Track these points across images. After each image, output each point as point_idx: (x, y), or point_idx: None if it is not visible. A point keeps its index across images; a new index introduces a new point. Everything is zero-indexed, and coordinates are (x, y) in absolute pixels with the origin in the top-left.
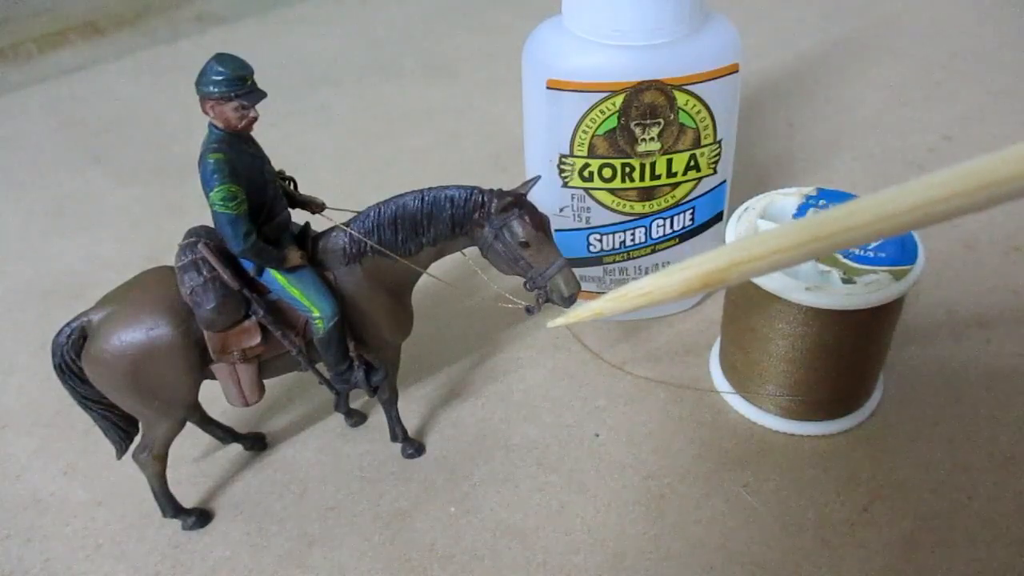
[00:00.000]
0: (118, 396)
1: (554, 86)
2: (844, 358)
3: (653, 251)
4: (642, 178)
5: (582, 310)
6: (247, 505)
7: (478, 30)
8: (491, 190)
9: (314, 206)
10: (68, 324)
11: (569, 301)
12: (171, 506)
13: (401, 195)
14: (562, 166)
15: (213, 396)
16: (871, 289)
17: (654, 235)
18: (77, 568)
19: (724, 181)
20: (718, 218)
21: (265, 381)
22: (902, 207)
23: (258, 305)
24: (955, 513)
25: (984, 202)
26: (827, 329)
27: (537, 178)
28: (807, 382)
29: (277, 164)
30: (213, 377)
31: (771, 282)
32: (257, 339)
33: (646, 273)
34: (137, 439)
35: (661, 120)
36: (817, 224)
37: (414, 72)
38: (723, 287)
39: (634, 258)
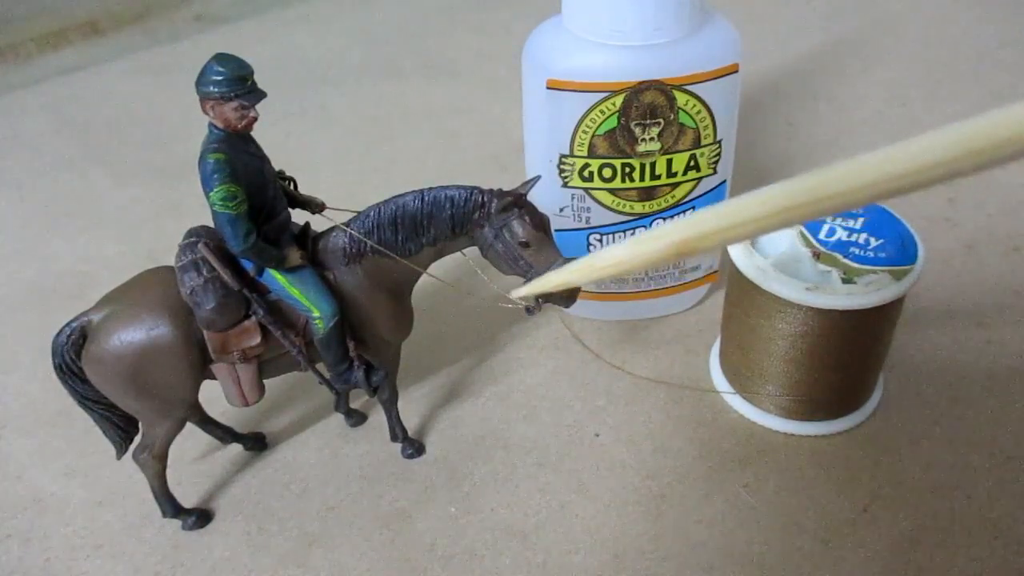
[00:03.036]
0: (118, 396)
1: (554, 86)
2: (844, 358)
3: None
4: (642, 178)
5: (548, 279)
6: (247, 505)
7: (478, 30)
8: (491, 190)
9: (314, 206)
10: (68, 324)
11: (569, 301)
12: (171, 506)
13: (401, 195)
14: (562, 166)
15: (213, 396)
16: (871, 289)
17: None
18: (77, 568)
19: (724, 181)
20: None
21: (265, 381)
22: (884, 174)
23: (258, 305)
24: (955, 513)
25: (968, 169)
26: (827, 329)
27: (537, 178)
28: (807, 382)
29: (277, 164)
30: (213, 377)
31: (771, 282)
32: (257, 339)
33: (646, 274)
34: (137, 439)
35: (661, 120)
36: (794, 192)
37: (414, 72)
38: (697, 255)
39: None
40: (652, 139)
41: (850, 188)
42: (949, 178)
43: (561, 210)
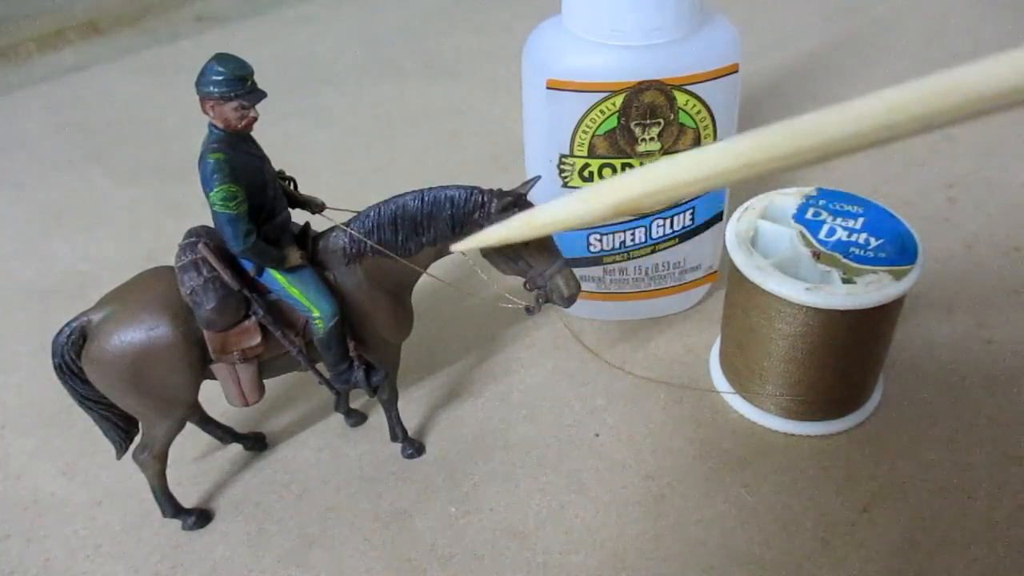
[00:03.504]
0: (118, 396)
1: (554, 86)
2: (844, 358)
3: (653, 251)
4: None
5: (488, 233)
6: (247, 505)
7: (478, 30)
8: (491, 190)
9: (314, 206)
10: (68, 324)
11: (569, 301)
12: (171, 506)
13: (401, 195)
14: (562, 166)
15: (213, 396)
16: (871, 289)
17: (654, 235)
18: (77, 568)
19: None
20: (718, 218)
21: (265, 381)
22: (834, 135)
23: (258, 305)
24: (955, 513)
25: (920, 130)
26: (827, 329)
27: (537, 178)
28: (807, 382)
29: (277, 164)
30: (213, 377)
31: (771, 282)
32: (257, 339)
33: (646, 274)
34: (137, 439)
35: (661, 120)
36: (745, 152)
37: (414, 72)
38: (637, 213)
39: (634, 258)
40: (652, 139)
41: (800, 148)
42: (911, 135)
43: None
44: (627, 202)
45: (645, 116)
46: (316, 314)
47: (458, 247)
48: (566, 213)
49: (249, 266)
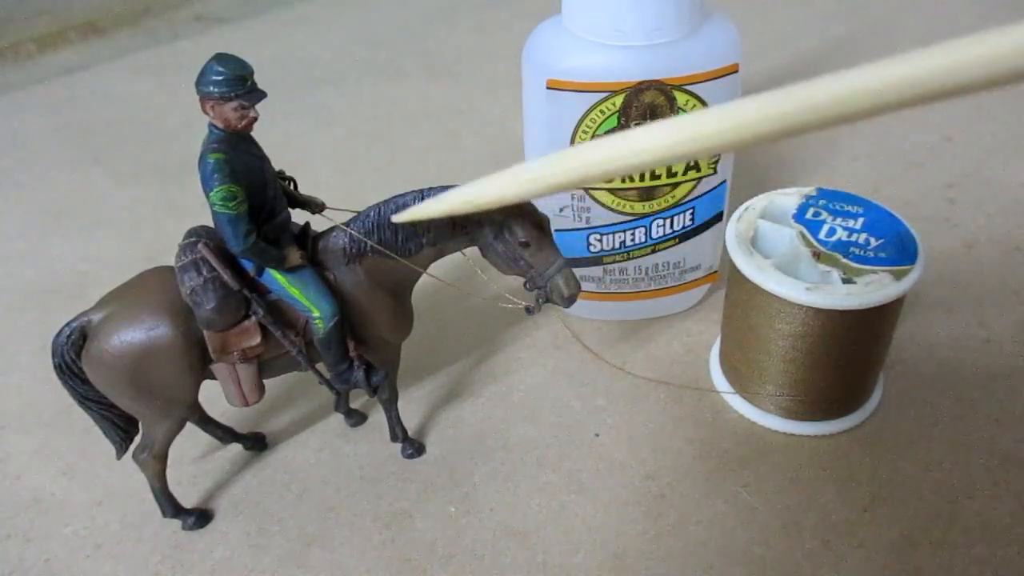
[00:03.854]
0: (118, 396)
1: (554, 86)
2: (844, 358)
3: (653, 251)
4: (642, 178)
5: (426, 207)
6: (247, 505)
7: (478, 30)
8: None
9: (314, 206)
10: (68, 324)
11: (569, 301)
12: (171, 506)
13: (401, 195)
14: None
15: (213, 396)
16: (871, 289)
17: (654, 235)
18: (77, 568)
19: (724, 181)
20: (718, 218)
21: (265, 381)
22: (787, 116)
23: (258, 305)
24: (955, 513)
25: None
26: (827, 329)
27: None
28: (807, 382)
29: (277, 164)
30: (213, 377)
31: (771, 282)
32: (257, 339)
33: (646, 274)
34: (137, 439)
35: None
36: (694, 133)
37: (414, 72)
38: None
39: (634, 258)
40: None
41: (747, 137)
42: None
43: (561, 210)
44: (575, 180)
45: (645, 116)
46: (316, 314)
47: (398, 218)
48: (512, 194)
49: (249, 266)
